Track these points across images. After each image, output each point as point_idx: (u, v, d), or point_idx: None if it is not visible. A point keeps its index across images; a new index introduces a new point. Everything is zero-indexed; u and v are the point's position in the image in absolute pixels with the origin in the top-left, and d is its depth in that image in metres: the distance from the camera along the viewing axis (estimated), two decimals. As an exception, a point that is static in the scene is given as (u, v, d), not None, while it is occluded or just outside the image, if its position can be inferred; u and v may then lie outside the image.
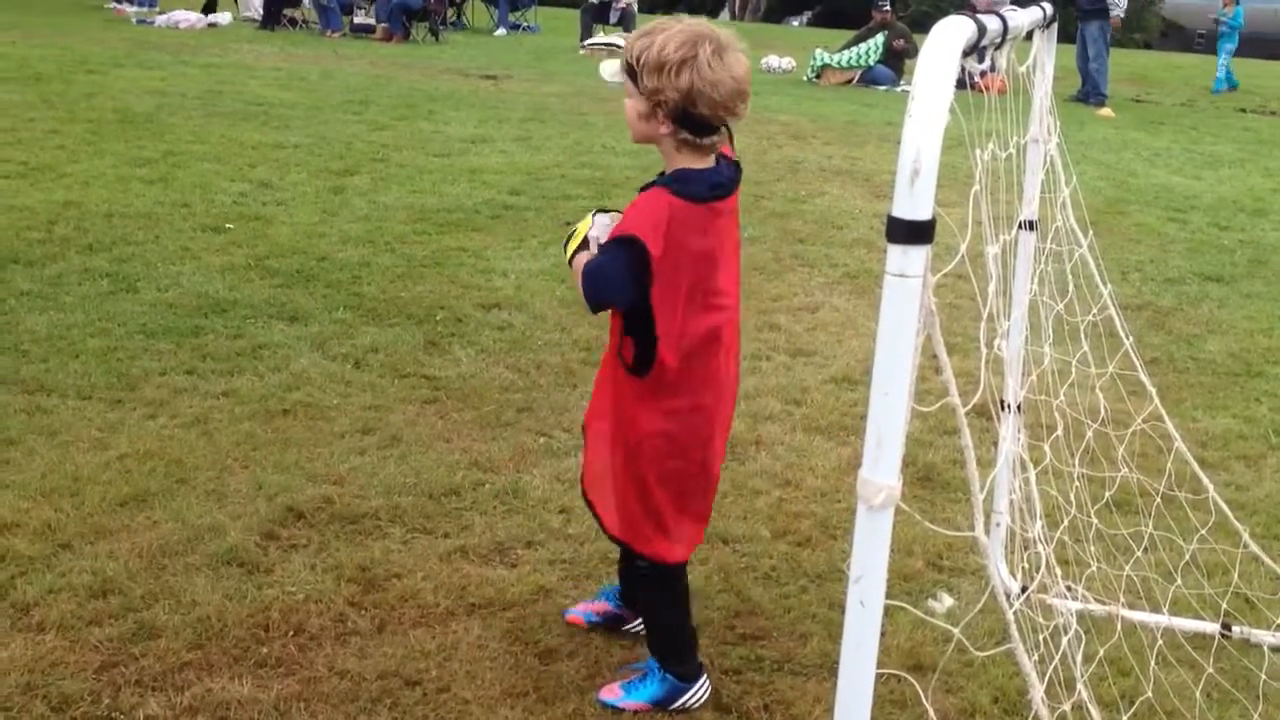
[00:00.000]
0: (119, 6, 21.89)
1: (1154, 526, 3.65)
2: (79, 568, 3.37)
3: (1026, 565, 3.11)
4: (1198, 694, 3.05)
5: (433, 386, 4.92)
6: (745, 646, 3.24)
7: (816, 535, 3.87)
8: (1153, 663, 3.09)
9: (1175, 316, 6.63)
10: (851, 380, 5.26)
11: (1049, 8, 2.93)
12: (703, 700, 2.97)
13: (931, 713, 2.40)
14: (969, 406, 1.85)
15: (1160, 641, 3.21)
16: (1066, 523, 3.35)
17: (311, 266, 6.45)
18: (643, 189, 2.66)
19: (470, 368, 5.16)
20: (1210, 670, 3.13)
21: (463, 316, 5.81)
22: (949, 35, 1.68)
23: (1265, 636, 3.37)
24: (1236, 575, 3.56)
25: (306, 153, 9.54)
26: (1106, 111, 16.11)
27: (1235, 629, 3.39)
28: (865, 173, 10.41)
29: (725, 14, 47.06)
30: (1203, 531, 3.62)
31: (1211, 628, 3.38)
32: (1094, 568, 3.44)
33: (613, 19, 20.54)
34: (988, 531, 3.27)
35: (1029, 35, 2.84)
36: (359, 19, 20.94)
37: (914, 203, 1.58)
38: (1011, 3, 2.65)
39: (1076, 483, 3.39)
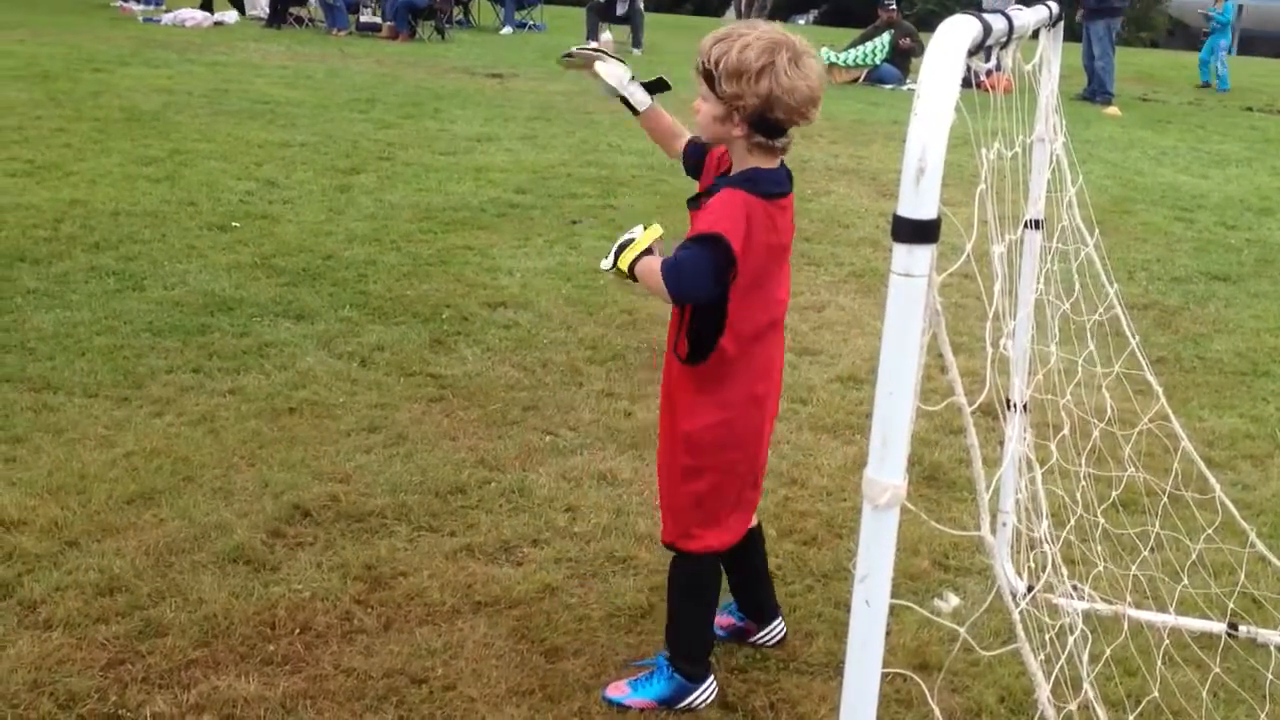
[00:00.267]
0: (125, 5, 21.90)
1: (1160, 526, 3.64)
2: (86, 565, 3.38)
3: (1032, 565, 3.11)
4: (1204, 694, 3.05)
5: (439, 385, 4.93)
6: (751, 645, 3.24)
7: (822, 534, 3.87)
8: (1159, 662, 3.09)
9: (1182, 316, 6.62)
10: (857, 379, 5.25)
11: (1055, 6, 2.92)
12: (709, 701, 2.98)
13: (937, 712, 2.40)
14: (975, 406, 1.85)
15: (1166, 641, 3.20)
16: (1073, 522, 3.35)
17: (317, 265, 6.45)
18: (713, 189, 2.74)
19: (476, 366, 5.16)
20: (1217, 670, 3.13)
21: (468, 315, 5.81)
22: (954, 34, 1.68)
23: (1272, 636, 3.36)
24: (1243, 575, 3.55)
25: (312, 151, 9.55)
26: (1113, 110, 16.08)
27: (1242, 629, 3.38)
28: (871, 171, 10.40)
29: (731, 12, 47.00)
30: (1209, 531, 3.62)
31: (1218, 627, 3.37)
32: (1100, 567, 3.44)
33: (620, 9, 20.49)
34: (993, 531, 3.27)
35: (1035, 34, 2.84)
36: (365, 17, 20.95)
37: (919, 202, 1.58)
38: (1017, 2, 2.65)
39: (1083, 482, 3.39)
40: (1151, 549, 3.60)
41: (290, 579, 3.41)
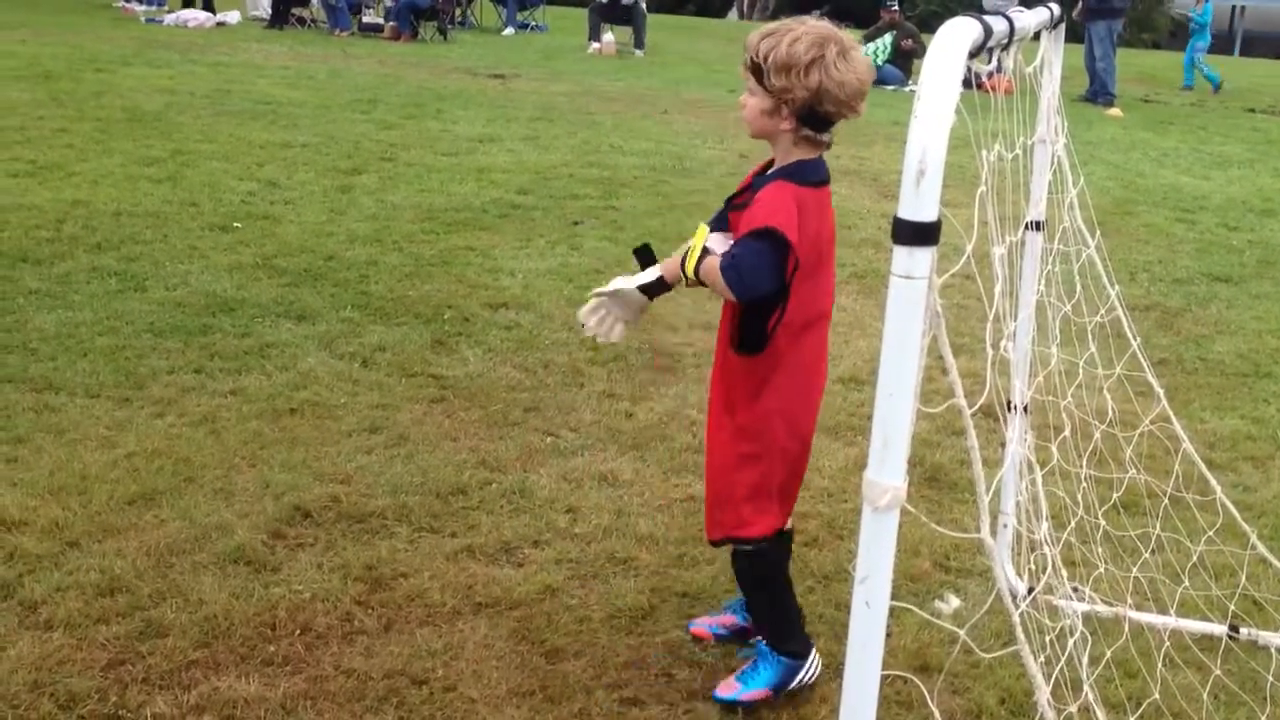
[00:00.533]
0: (128, 5, 21.91)
1: (1161, 528, 3.64)
2: (87, 566, 3.38)
3: (1033, 566, 3.11)
4: (1205, 696, 3.05)
5: (440, 386, 4.93)
6: (752, 645, 3.23)
7: (823, 535, 3.87)
8: (1160, 664, 3.09)
9: (1183, 317, 6.62)
10: (858, 380, 5.25)
11: (1056, 8, 2.92)
12: (816, 675, 3.01)
13: (937, 714, 2.40)
14: (975, 408, 1.85)
15: (1167, 643, 3.20)
16: (1074, 524, 3.35)
17: (319, 265, 6.45)
18: (754, 187, 2.79)
19: (477, 367, 5.16)
20: (1218, 672, 3.13)
21: (470, 316, 5.81)
22: (955, 36, 1.68)
23: (1273, 638, 3.36)
24: (1244, 577, 3.55)
25: (314, 152, 9.55)
26: (1115, 111, 16.07)
27: (1243, 631, 3.38)
28: (873, 173, 10.39)
29: (733, 13, 47.02)
30: (1210, 533, 3.61)
31: (1219, 629, 3.37)
32: (1101, 569, 3.44)
33: None
34: (994, 533, 3.27)
35: (1036, 36, 2.84)
36: (367, 18, 20.96)
37: (920, 204, 1.58)
38: (1019, 3, 2.65)
39: (1084, 484, 3.39)
40: (1152, 551, 3.60)
41: (291, 580, 3.41)
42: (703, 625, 3.29)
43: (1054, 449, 3.16)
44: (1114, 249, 6.77)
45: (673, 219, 8.01)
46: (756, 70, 2.68)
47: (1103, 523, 3.49)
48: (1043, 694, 2.13)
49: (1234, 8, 48.33)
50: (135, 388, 4.68)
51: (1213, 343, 6.17)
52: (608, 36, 20.26)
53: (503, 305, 6.01)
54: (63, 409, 4.43)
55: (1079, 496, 3.37)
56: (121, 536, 3.57)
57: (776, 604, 3.01)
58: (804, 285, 2.74)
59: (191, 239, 6.81)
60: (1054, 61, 3.10)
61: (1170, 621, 3.34)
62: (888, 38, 18.18)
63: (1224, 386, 5.54)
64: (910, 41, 18.08)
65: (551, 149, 10.48)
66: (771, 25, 2.72)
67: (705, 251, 2.82)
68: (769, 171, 2.82)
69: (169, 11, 20.83)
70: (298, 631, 3.18)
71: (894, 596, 1.74)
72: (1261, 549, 3.59)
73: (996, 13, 2.17)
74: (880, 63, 18.05)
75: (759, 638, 3.06)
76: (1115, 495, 3.64)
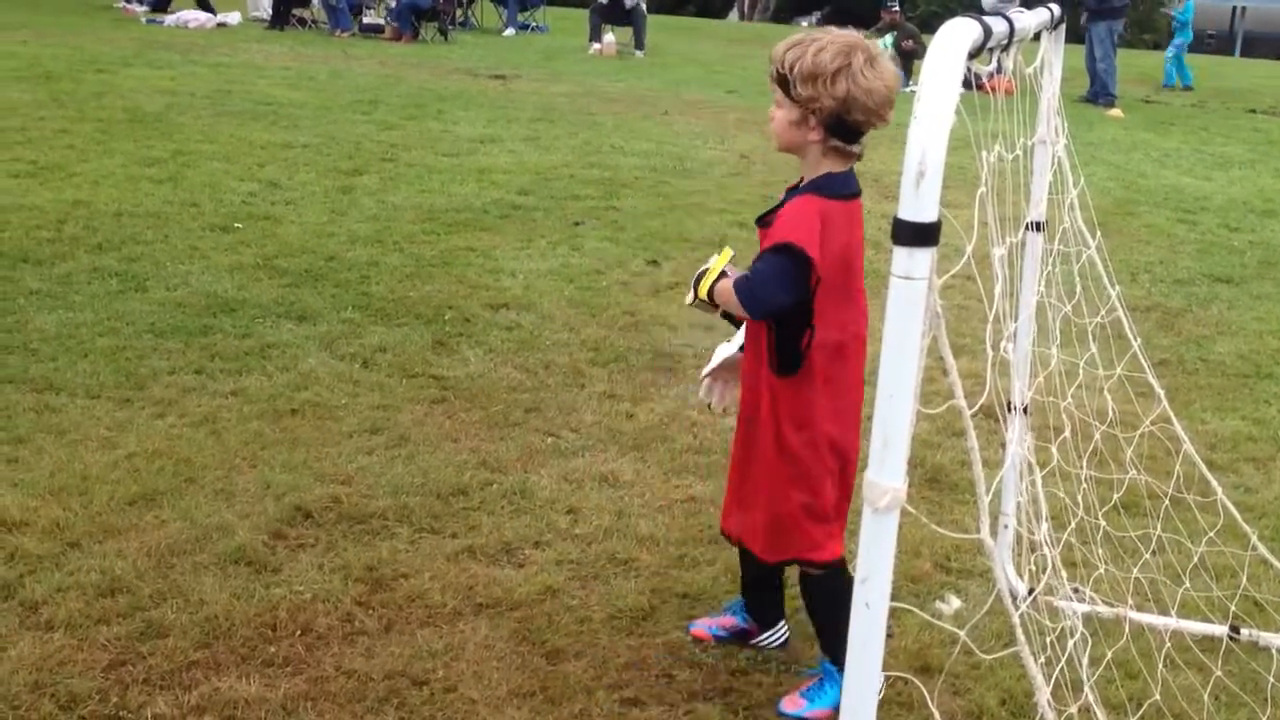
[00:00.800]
0: (128, 6, 21.92)
1: (1162, 529, 3.64)
2: (87, 566, 3.38)
3: (1034, 567, 3.11)
4: (1206, 697, 3.05)
5: (441, 386, 4.93)
6: (752, 647, 3.24)
7: (823, 536, 3.86)
8: (1161, 665, 3.08)
9: (1184, 318, 6.62)
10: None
11: (1056, 9, 2.92)
12: (881, 694, 2.96)
13: (937, 715, 2.40)
14: (975, 409, 1.85)
15: (1168, 644, 3.20)
16: (1074, 525, 3.34)
17: (320, 266, 6.46)
18: (783, 203, 2.77)
19: (478, 368, 5.16)
20: (1218, 673, 3.13)
21: (471, 316, 5.82)
22: (955, 37, 1.68)
23: (1274, 639, 3.36)
24: (1245, 578, 3.55)
25: (315, 152, 9.55)
26: (1116, 112, 16.07)
27: (1244, 632, 3.38)
28: (874, 173, 10.38)
29: (734, 14, 47.02)
30: (1211, 534, 3.61)
31: (1220, 630, 3.37)
32: (1102, 570, 3.43)
33: (629, 1, 20.45)
34: (994, 534, 3.27)
35: (1036, 36, 2.84)
36: (368, 19, 20.96)
37: (919, 205, 1.58)
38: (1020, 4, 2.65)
39: (1084, 485, 3.39)
40: (1153, 551, 3.60)
41: (292, 580, 3.41)
42: (703, 627, 3.29)
43: (1054, 450, 3.16)
44: (1115, 250, 6.77)
45: (673, 219, 8.02)
46: (783, 81, 2.67)
47: (1103, 523, 3.49)
48: (1043, 695, 2.13)
49: (1234, 8, 48.32)
50: (136, 388, 4.68)
51: (1214, 343, 6.17)
52: (608, 37, 20.26)
53: (504, 306, 6.01)
54: (63, 409, 4.43)
55: (1080, 497, 3.37)
56: (122, 537, 3.57)
57: (846, 625, 2.98)
58: (832, 302, 2.72)
59: (192, 239, 6.81)
60: (1054, 62, 3.10)
61: (1171, 622, 3.34)
62: (888, 38, 18.17)
63: (1225, 387, 5.54)
64: (911, 42, 18.07)
65: (552, 150, 10.48)
66: (797, 35, 2.72)
67: (723, 275, 2.83)
68: (797, 185, 2.81)
69: (170, 12, 20.82)
70: (298, 632, 3.18)
71: (895, 597, 1.74)
72: (1262, 550, 3.59)
73: (997, 13, 2.17)
74: (881, 63, 18.00)
75: (824, 656, 3.03)
76: (1116, 496, 3.64)
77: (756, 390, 2.89)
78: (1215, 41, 45.60)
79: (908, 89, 17.24)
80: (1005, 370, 3.12)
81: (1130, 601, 3.38)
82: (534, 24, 24.42)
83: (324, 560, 3.53)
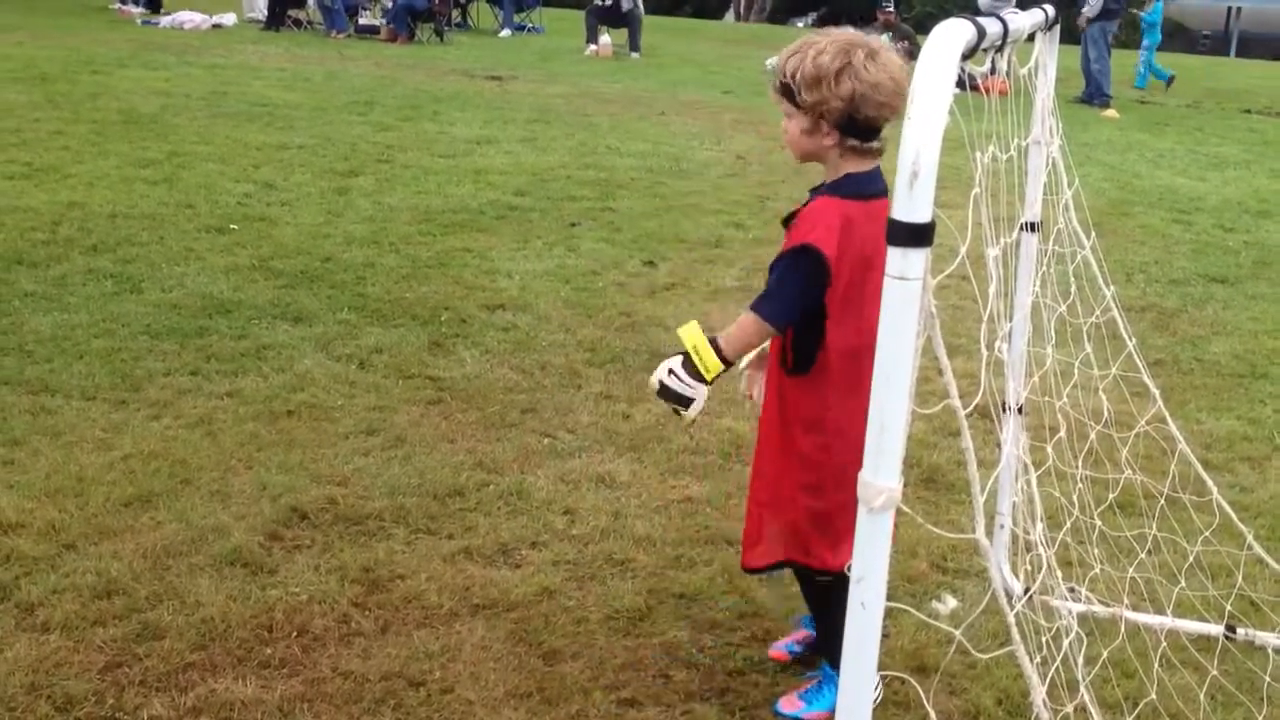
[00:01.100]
0: (124, 7, 21.90)
1: (1158, 528, 3.64)
2: (83, 568, 3.38)
3: (1029, 567, 3.11)
4: (1201, 696, 3.05)
5: (437, 387, 4.93)
6: (750, 648, 3.24)
7: (820, 536, 3.86)
8: (1156, 665, 3.09)
9: (1180, 318, 6.62)
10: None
11: (1050, 10, 2.93)
12: (879, 699, 2.95)
13: (933, 715, 2.39)
14: (969, 408, 1.85)
15: (1164, 643, 3.20)
16: (1069, 524, 3.35)
17: (316, 267, 6.45)
18: (806, 203, 2.75)
19: (475, 369, 5.16)
20: (1214, 672, 3.13)
21: (467, 317, 5.82)
22: (948, 38, 1.68)
23: (1269, 638, 3.36)
24: (1240, 577, 3.55)
25: (311, 154, 9.55)
26: (1111, 113, 16.09)
27: (1239, 631, 3.38)
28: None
29: (730, 15, 47.05)
30: (1207, 533, 3.62)
31: (1215, 630, 3.37)
32: (1098, 569, 3.44)
33: (626, 5, 20.44)
34: (989, 534, 3.27)
35: (1031, 37, 2.84)
36: (364, 20, 20.95)
37: (913, 205, 1.58)
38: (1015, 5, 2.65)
39: (1080, 484, 3.39)
40: (1149, 551, 3.60)
41: (288, 582, 3.41)
42: (781, 648, 3.22)
43: (1050, 449, 3.16)
44: (1110, 250, 6.78)
45: (670, 220, 8.02)
46: (788, 91, 2.66)
47: (1099, 523, 3.49)
48: (1037, 694, 2.13)
49: (1230, 9, 48.40)
50: (131, 390, 4.68)
51: (1209, 343, 6.18)
52: (604, 39, 20.26)
53: (500, 307, 6.01)
54: (59, 411, 4.43)
55: (1075, 497, 3.37)
56: (118, 539, 3.56)
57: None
58: (850, 303, 2.67)
59: (188, 241, 6.81)
60: (1049, 63, 3.10)
61: (1167, 622, 3.35)
62: (884, 39, 18.18)
63: (1220, 387, 5.55)
64: (906, 43, 18.08)
65: (548, 150, 10.49)
66: (794, 44, 2.71)
67: (713, 341, 2.73)
68: (818, 187, 2.78)
69: (165, 13, 20.80)
70: (295, 633, 3.18)
71: (891, 597, 1.74)
72: (1258, 549, 3.60)
73: (992, 14, 2.17)
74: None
75: (823, 658, 3.02)
76: (1111, 496, 3.64)
77: (778, 391, 2.86)
78: (1210, 42, 45.66)
79: (903, 89, 17.29)
80: (1000, 370, 3.13)
81: (1126, 601, 3.38)
82: (530, 25, 24.42)
83: (320, 561, 3.52)
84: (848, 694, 1.73)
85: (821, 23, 43.67)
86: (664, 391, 2.76)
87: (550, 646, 3.19)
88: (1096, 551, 3.48)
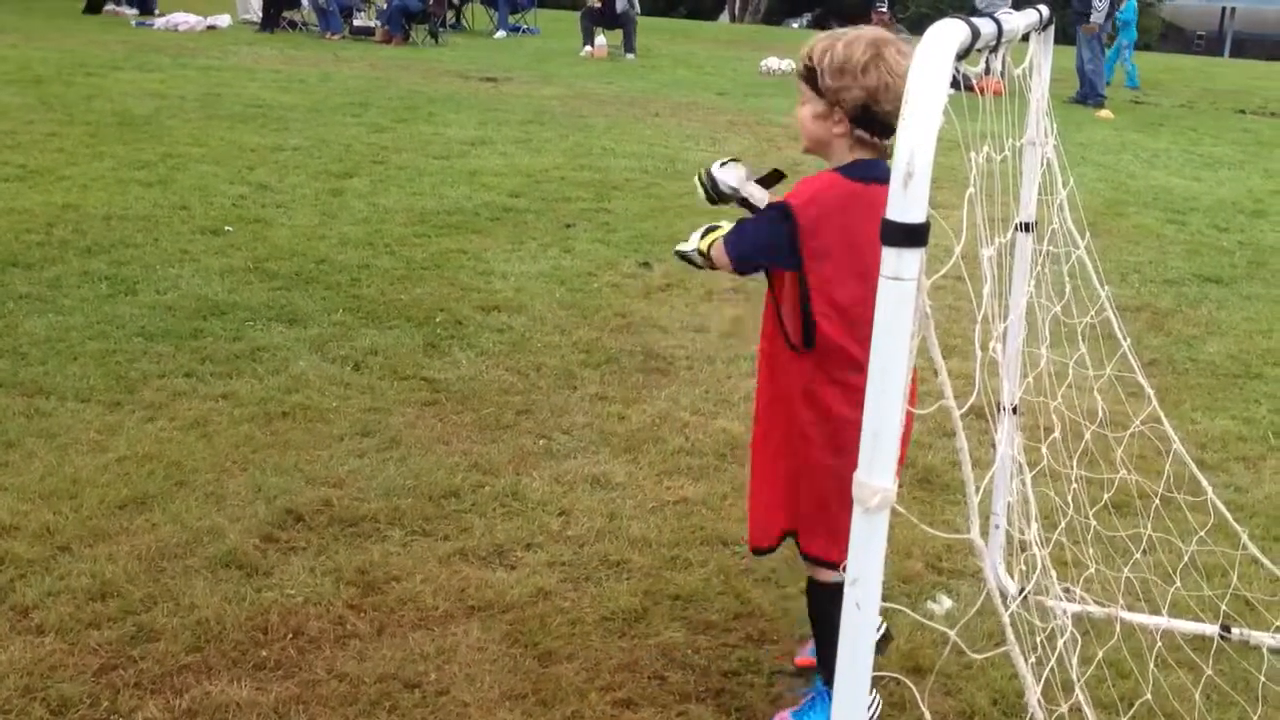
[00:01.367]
0: (117, 9, 21.87)
1: (1153, 528, 3.64)
2: (78, 570, 3.37)
3: (1024, 567, 3.11)
4: (1197, 696, 3.05)
5: (432, 389, 4.92)
6: (745, 649, 3.24)
7: (815, 537, 3.86)
8: (1152, 665, 3.09)
9: (1174, 318, 6.63)
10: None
11: (1045, 10, 2.93)
12: (877, 716, 2.90)
13: (928, 715, 2.40)
14: (964, 409, 1.85)
15: (1159, 643, 3.20)
16: (1064, 524, 3.35)
17: (311, 269, 6.45)
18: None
19: (470, 370, 5.16)
20: (1209, 672, 3.13)
21: (462, 319, 5.81)
22: (942, 38, 1.68)
23: (1264, 638, 3.36)
24: (1236, 577, 3.56)
25: (306, 155, 9.54)
26: (1106, 113, 16.11)
27: (1234, 631, 3.38)
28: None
29: (725, 16, 47.06)
30: (1202, 533, 3.62)
31: (1211, 630, 3.37)
32: (1093, 569, 3.44)
33: (620, 6, 20.43)
34: (984, 534, 3.27)
35: (1025, 37, 2.84)
36: (359, 21, 20.94)
37: (908, 205, 1.58)
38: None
39: (1075, 484, 3.39)
40: (1144, 551, 3.60)
41: (283, 584, 3.40)
42: (808, 653, 3.16)
43: (1044, 450, 3.16)
44: (1105, 250, 6.79)
45: (664, 221, 8.02)
46: (811, 74, 2.63)
47: (1094, 523, 3.49)
48: (1032, 694, 2.13)
49: (1224, 9, 48.50)
50: (126, 392, 4.67)
51: (1203, 343, 6.19)
52: (599, 40, 20.27)
53: (495, 308, 6.01)
54: (53, 413, 4.42)
55: (1070, 497, 3.37)
56: (113, 541, 3.56)
57: None
58: (836, 277, 2.60)
59: (182, 243, 6.80)
60: (1043, 64, 3.11)
61: (1162, 622, 3.35)
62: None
63: (1215, 387, 5.56)
64: (902, 44, 18.08)
65: (543, 152, 10.48)
66: (826, 32, 2.69)
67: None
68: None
69: (160, 15, 20.79)
70: (290, 635, 3.17)
71: (886, 598, 1.74)
72: (1253, 549, 3.60)
73: (987, 15, 2.17)
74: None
75: (819, 674, 2.96)
76: (1106, 496, 3.64)
77: (781, 381, 2.78)
78: (1205, 42, 45.74)
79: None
80: (995, 371, 3.13)
81: (1121, 601, 3.38)
82: (525, 26, 24.41)
83: (315, 563, 3.52)
84: (843, 694, 1.72)
85: (816, 23, 43.68)
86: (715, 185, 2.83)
87: (546, 648, 3.19)
88: (1091, 551, 3.48)
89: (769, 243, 2.66)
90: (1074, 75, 17.35)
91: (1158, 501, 3.72)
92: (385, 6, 20.27)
